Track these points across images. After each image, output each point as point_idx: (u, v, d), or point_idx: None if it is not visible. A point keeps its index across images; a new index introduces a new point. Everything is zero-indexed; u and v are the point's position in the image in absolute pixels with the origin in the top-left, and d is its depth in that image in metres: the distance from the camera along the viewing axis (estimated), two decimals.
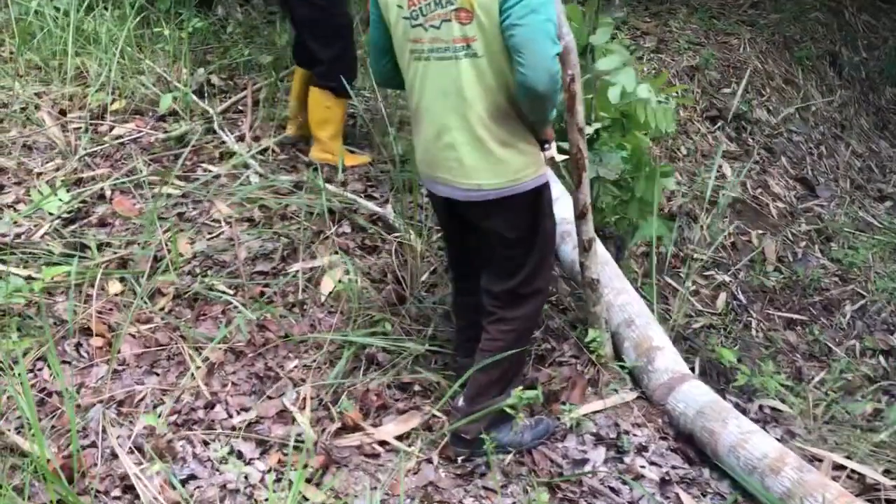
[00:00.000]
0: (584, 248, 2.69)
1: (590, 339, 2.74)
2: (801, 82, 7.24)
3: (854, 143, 7.24)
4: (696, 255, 5.08)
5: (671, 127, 3.41)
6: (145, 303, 2.90)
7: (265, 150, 3.91)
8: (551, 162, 2.40)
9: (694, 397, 2.51)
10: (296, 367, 2.73)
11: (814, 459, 2.53)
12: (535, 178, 2.30)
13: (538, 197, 2.34)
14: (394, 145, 3.53)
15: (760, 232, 5.55)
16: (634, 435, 2.51)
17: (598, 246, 2.83)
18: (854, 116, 7.62)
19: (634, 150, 3.57)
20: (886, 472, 2.57)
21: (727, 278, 5.01)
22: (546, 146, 2.35)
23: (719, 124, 6.25)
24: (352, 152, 3.99)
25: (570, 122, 2.59)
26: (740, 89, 6.44)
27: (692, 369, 3.34)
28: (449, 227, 2.61)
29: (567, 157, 2.63)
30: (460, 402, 2.45)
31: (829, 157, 6.88)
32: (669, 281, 4.60)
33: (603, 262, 2.87)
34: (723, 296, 4.85)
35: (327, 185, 3.48)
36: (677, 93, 3.84)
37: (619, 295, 2.90)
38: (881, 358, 4.70)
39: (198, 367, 2.65)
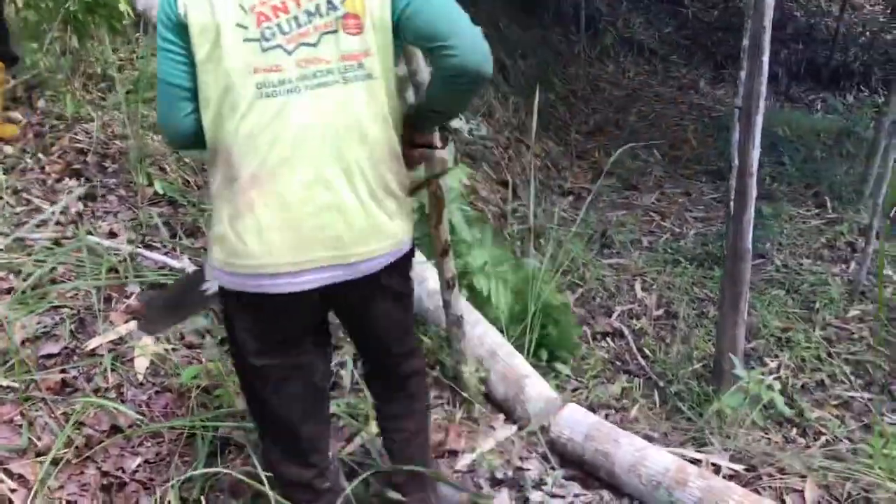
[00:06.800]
0: (448, 285, 2.60)
1: (466, 377, 2.66)
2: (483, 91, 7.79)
3: (532, 144, 7.98)
4: None
5: None
6: None
7: None
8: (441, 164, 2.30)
9: (577, 420, 2.56)
10: (139, 466, 2.28)
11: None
12: (411, 240, 1.89)
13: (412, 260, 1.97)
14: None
15: None
16: (526, 469, 2.50)
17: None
18: (526, 119, 8.41)
19: None
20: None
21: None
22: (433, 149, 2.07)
23: None
24: None
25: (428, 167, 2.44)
26: None
27: None
28: (291, 337, 1.82)
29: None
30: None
31: (517, 160, 7.51)
32: None
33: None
34: None
35: (98, 239, 2.95)
36: None
37: (475, 327, 2.86)
38: (609, 340, 5.26)
39: (13, 491, 2.08)
